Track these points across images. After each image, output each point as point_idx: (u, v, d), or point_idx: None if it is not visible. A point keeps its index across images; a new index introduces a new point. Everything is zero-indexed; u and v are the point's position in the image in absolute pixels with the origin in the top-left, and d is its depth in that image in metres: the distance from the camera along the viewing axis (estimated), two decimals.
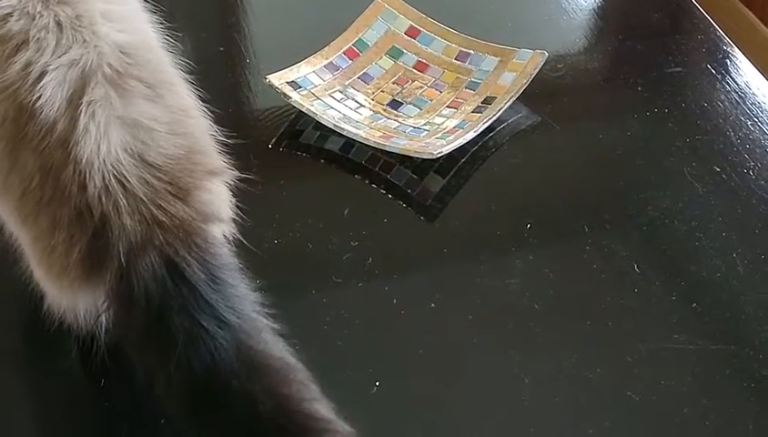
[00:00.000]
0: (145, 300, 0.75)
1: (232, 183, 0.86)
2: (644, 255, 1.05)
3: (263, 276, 0.99)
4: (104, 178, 0.76)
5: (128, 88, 0.79)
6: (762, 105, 1.22)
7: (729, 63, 1.30)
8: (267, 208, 1.07)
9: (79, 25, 0.80)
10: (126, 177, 0.77)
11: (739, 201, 1.11)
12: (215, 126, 0.89)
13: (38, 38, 0.79)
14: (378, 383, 0.91)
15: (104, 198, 0.76)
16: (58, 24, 0.80)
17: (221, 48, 1.30)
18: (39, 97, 0.77)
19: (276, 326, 0.81)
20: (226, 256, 0.81)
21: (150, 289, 0.75)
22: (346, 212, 1.08)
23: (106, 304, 0.78)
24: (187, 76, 0.90)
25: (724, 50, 1.32)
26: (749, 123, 1.20)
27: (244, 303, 0.79)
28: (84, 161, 0.76)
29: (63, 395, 0.92)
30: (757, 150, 1.16)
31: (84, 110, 0.77)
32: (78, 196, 0.76)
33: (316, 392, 0.79)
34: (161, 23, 0.93)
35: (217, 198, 0.83)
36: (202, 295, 0.76)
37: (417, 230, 1.09)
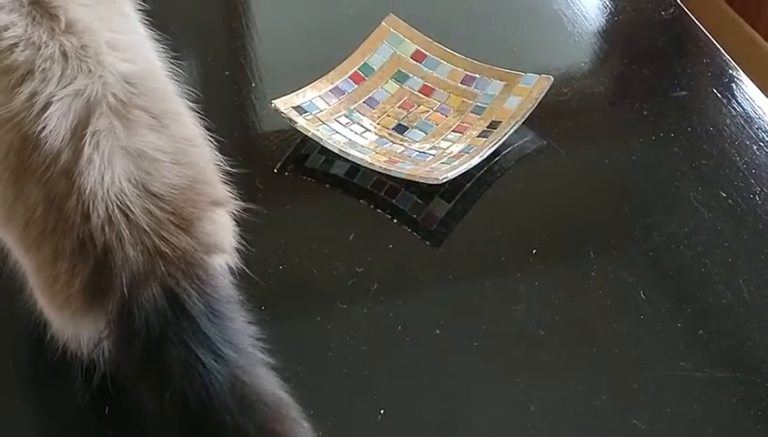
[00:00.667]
0: (145, 331, 0.75)
1: (236, 211, 0.86)
2: (650, 281, 1.05)
3: (268, 302, 0.99)
4: (107, 209, 0.76)
5: (133, 118, 0.79)
6: None
7: (735, 87, 1.30)
8: (272, 232, 1.07)
9: (84, 55, 0.81)
10: (129, 207, 0.77)
11: (745, 227, 1.10)
12: (219, 153, 0.89)
13: (43, 68, 0.79)
14: (383, 411, 0.91)
15: (107, 229, 0.76)
16: (64, 54, 0.80)
17: (227, 72, 1.30)
18: (44, 128, 0.77)
19: (270, 360, 0.81)
20: (226, 288, 0.81)
21: (151, 321, 0.75)
22: (351, 237, 1.08)
23: (106, 332, 0.78)
24: (193, 102, 0.90)
25: (730, 74, 1.32)
26: (755, 147, 1.19)
27: (241, 337, 0.79)
28: (87, 192, 0.76)
29: (66, 421, 0.92)
30: (763, 175, 1.16)
31: (88, 140, 0.77)
32: (81, 226, 0.76)
33: (308, 431, 0.78)
34: (167, 49, 0.93)
35: (221, 229, 0.83)
36: (201, 328, 0.76)
37: (422, 256, 1.09)
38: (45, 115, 0.77)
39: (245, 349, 0.79)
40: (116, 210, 0.76)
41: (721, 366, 0.97)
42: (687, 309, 1.02)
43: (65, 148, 0.77)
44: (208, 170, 0.84)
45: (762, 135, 1.21)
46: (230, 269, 0.85)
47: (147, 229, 0.77)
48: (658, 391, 0.95)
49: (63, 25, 0.82)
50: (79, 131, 0.77)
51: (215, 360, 0.76)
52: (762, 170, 1.16)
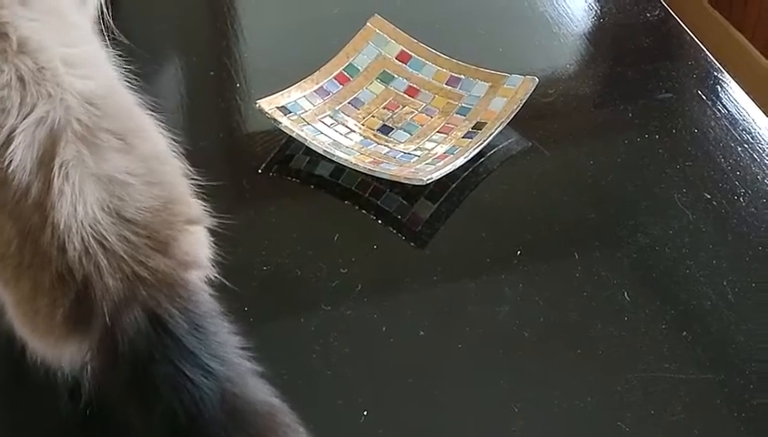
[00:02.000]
0: (130, 355, 0.75)
1: (213, 225, 0.86)
2: (634, 282, 1.05)
3: (251, 303, 0.99)
4: (83, 240, 0.75)
5: (99, 143, 0.78)
6: (753, 131, 1.22)
7: (719, 88, 1.31)
8: (256, 233, 1.07)
9: (42, 79, 0.78)
10: (104, 236, 0.75)
11: (729, 228, 1.11)
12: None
13: (2, 97, 0.77)
14: (366, 413, 0.91)
15: (84, 260, 0.75)
16: (20, 79, 0.78)
17: (212, 73, 1.30)
18: (10, 163, 0.75)
19: (259, 367, 0.81)
20: (207, 302, 0.80)
21: (135, 344, 0.75)
22: (335, 238, 1.07)
23: (89, 357, 0.77)
24: (153, 111, 0.89)
25: (715, 76, 1.32)
26: (739, 149, 1.20)
27: (227, 349, 0.78)
28: (62, 225, 0.75)
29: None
30: (748, 177, 1.16)
31: (57, 172, 0.75)
32: (58, 259, 0.75)
33: (303, 435, 0.78)
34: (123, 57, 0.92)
35: (197, 244, 0.82)
36: (186, 346, 0.75)
37: (407, 257, 1.08)
38: (10, 149, 0.75)
39: (231, 360, 0.78)
40: (92, 241, 0.75)
41: (705, 368, 0.97)
42: (671, 311, 1.02)
43: (34, 181, 0.75)
44: (180, 187, 0.83)
45: (746, 136, 1.21)
46: (211, 278, 0.85)
47: (125, 256, 0.76)
48: (642, 393, 0.95)
49: (15, 45, 0.79)
50: (46, 162, 0.76)
51: (203, 376, 0.75)
52: (746, 172, 1.17)
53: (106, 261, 0.75)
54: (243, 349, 0.80)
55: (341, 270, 1.04)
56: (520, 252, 1.07)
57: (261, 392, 0.79)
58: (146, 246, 0.77)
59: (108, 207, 0.76)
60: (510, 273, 1.06)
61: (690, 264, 1.06)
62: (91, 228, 0.75)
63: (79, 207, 0.75)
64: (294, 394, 0.92)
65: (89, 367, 0.79)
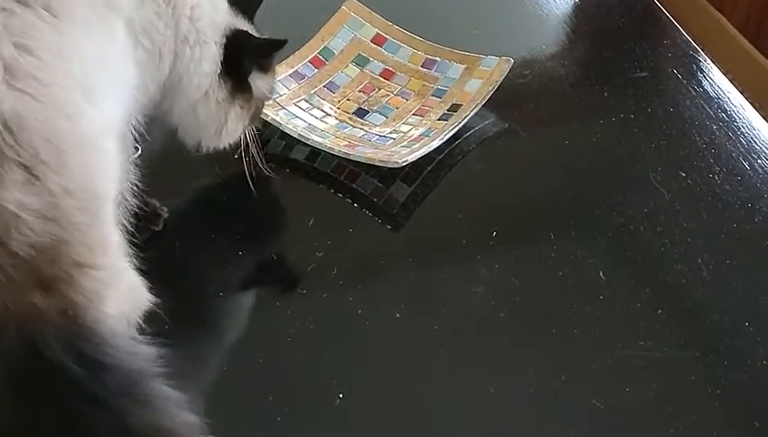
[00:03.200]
0: (4, 387, 0.73)
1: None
2: (610, 262, 1.05)
3: (227, 287, 0.99)
4: None
5: (1, 172, 0.75)
6: (729, 109, 1.23)
7: (695, 67, 1.31)
8: (231, 218, 1.07)
9: None
10: None
11: (704, 207, 1.11)
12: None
13: None
14: (341, 395, 0.91)
15: None
16: None
17: None
18: None
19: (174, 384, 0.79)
20: (108, 337, 0.77)
21: (10, 376, 0.73)
22: (311, 222, 1.07)
23: None
24: None
25: (691, 55, 1.32)
26: (714, 127, 1.20)
27: (122, 378, 0.76)
28: None
29: None
30: (723, 155, 1.16)
31: None
32: None
33: None
34: None
35: (98, 286, 0.78)
36: (72, 380, 0.73)
37: (382, 239, 1.08)
38: None
39: (128, 392, 0.76)
40: None
41: (679, 346, 0.97)
42: (646, 290, 1.02)
43: None
44: (81, 227, 0.78)
45: (721, 115, 1.22)
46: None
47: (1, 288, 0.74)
48: (617, 372, 0.95)
49: None
50: None
51: (95, 412, 0.74)
52: (721, 150, 1.17)
53: None
54: (157, 369, 0.78)
55: (317, 254, 1.04)
56: (496, 233, 1.07)
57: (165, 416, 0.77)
58: (25, 280, 0.75)
59: None
60: (485, 254, 1.06)
61: (665, 242, 1.07)
62: None
63: None
64: (269, 377, 0.93)
65: None
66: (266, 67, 1.05)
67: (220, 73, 0.98)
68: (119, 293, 0.81)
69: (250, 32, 1.02)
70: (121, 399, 0.75)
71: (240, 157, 1.12)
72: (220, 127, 1.02)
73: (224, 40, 0.98)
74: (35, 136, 0.77)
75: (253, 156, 1.06)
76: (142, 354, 0.79)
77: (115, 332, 0.78)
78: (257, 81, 1.03)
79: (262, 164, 1.07)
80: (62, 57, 0.81)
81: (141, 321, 0.86)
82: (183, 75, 0.97)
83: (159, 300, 0.86)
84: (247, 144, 1.06)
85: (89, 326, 0.76)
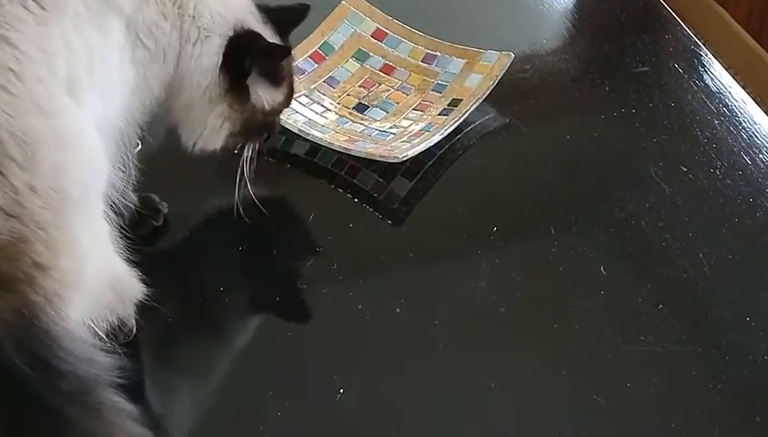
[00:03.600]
0: None
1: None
2: (611, 257, 1.05)
3: (227, 282, 0.99)
4: None
5: None
6: (730, 103, 1.22)
7: (697, 62, 1.30)
8: (232, 213, 1.06)
9: None
10: None
11: (706, 201, 1.11)
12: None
13: None
14: (342, 390, 0.91)
15: None
16: None
17: None
18: None
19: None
20: (62, 338, 0.76)
21: None
22: (311, 217, 1.07)
23: None
24: None
25: (692, 49, 1.32)
26: (716, 122, 1.20)
27: (70, 385, 0.75)
28: None
29: None
30: (724, 149, 1.16)
31: None
32: None
33: None
34: None
35: (59, 287, 0.77)
36: (21, 377, 0.73)
37: (383, 234, 1.08)
38: None
39: (79, 399, 0.75)
40: None
41: (680, 341, 0.97)
42: (647, 285, 1.02)
43: None
44: (45, 226, 0.77)
45: (722, 109, 1.21)
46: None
47: None
48: (618, 366, 0.95)
49: None
50: None
51: (42, 416, 0.73)
52: (722, 145, 1.17)
53: None
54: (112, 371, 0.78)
55: (317, 249, 1.04)
56: (497, 228, 1.07)
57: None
58: None
59: None
60: (486, 249, 1.05)
61: (666, 237, 1.06)
62: None
63: None
64: (269, 372, 0.93)
65: None
66: (272, 76, 1.01)
67: (220, 68, 0.97)
68: (84, 296, 0.80)
69: (263, 35, 0.99)
70: (71, 405, 0.74)
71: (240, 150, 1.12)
72: (205, 123, 0.98)
73: (230, 33, 0.96)
74: (4, 130, 0.75)
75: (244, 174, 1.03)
76: (99, 362, 0.78)
77: (74, 336, 0.77)
78: (258, 88, 1.00)
79: (247, 186, 1.03)
80: (45, 52, 0.79)
81: (118, 325, 0.86)
82: (185, 73, 0.95)
83: (154, 292, 0.86)
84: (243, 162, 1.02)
85: (45, 328, 0.75)
